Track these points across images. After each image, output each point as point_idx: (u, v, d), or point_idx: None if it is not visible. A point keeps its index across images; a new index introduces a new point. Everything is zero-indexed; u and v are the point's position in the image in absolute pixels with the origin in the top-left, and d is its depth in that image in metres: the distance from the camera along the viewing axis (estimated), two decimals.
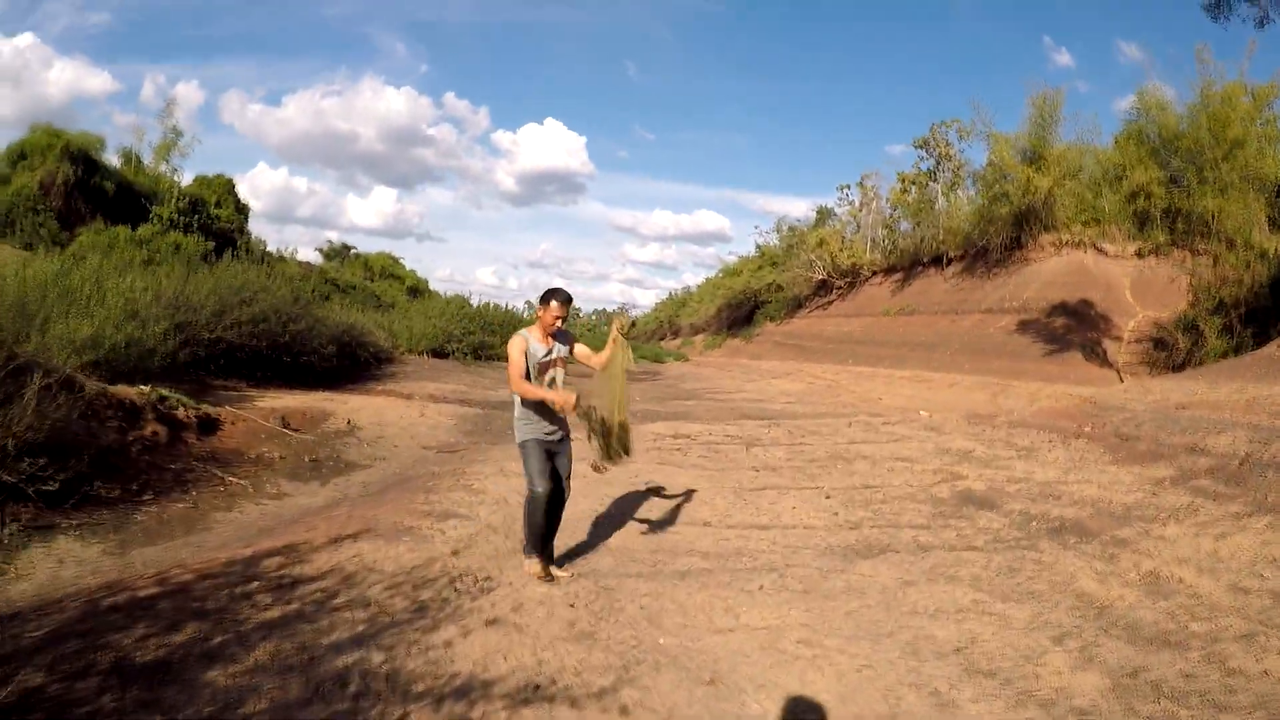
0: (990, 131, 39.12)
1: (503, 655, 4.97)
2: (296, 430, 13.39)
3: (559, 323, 6.22)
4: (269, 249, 34.74)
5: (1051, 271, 34.36)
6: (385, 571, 6.31)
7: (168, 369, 14.96)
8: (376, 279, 48.03)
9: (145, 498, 9.20)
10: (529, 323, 8.55)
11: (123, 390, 11.46)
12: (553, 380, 6.29)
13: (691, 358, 56.13)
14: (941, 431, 12.98)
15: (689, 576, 6.46)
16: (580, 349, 6.59)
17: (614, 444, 6.57)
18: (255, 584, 5.93)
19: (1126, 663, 4.90)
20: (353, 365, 21.03)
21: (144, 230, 27.01)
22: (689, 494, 9.07)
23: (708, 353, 54.67)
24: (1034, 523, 7.79)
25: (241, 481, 10.39)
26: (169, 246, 25.64)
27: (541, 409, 6.17)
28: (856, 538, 7.45)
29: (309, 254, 63.59)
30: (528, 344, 6.16)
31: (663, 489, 9.34)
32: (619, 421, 6.58)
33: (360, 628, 5.25)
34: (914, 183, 48.76)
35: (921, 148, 48.86)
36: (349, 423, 14.38)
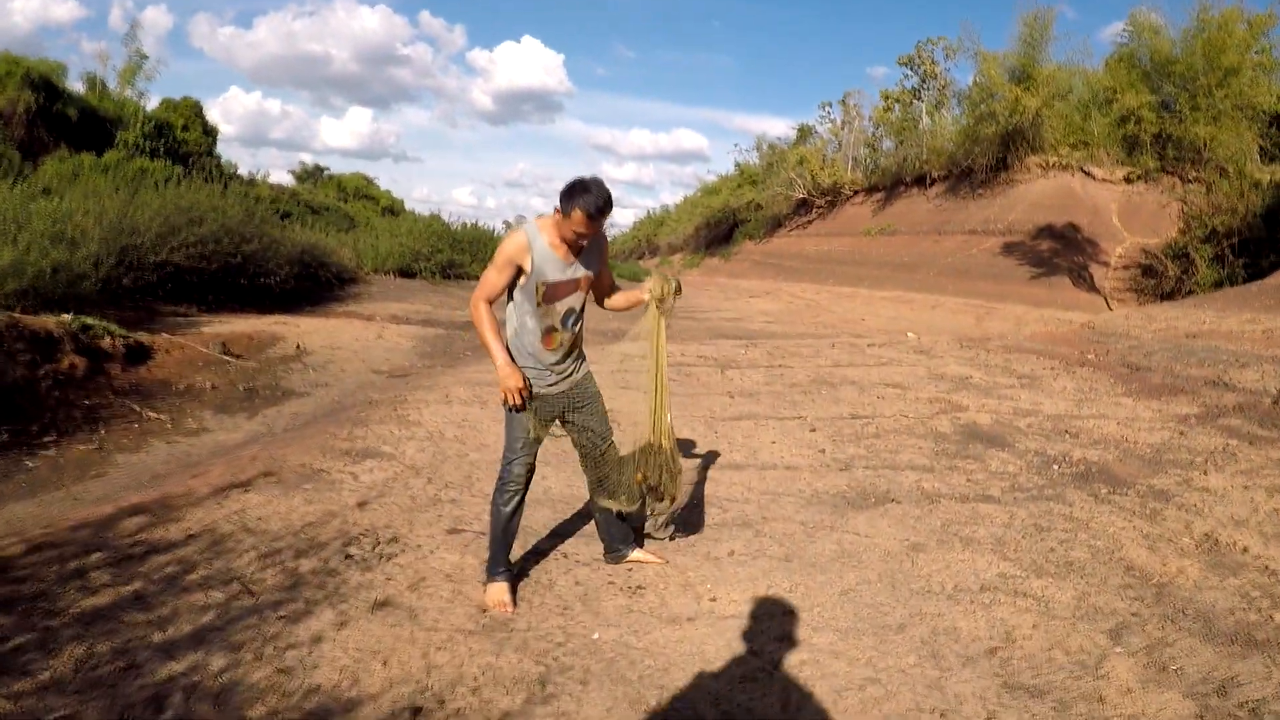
0: (978, 50, 37.39)
1: (382, 659, 3.59)
2: (238, 357, 11.91)
3: (583, 242, 3.96)
4: (240, 172, 33.19)
5: (1038, 194, 33.06)
6: (268, 532, 4.93)
7: (110, 295, 13.64)
8: (351, 200, 46.14)
9: (46, 439, 7.83)
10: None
11: (38, 321, 10.00)
12: (570, 317, 4.04)
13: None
14: (932, 355, 11.59)
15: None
16: (603, 273, 4.31)
17: (654, 475, 4.36)
18: (97, 555, 4.52)
19: (1209, 673, 3.53)
20: (314, 286, 19.35)
21: (109, 156, 25.28)
22: None
23: (686, 272, 52.73)
24: (1055, 466, 6.39)
25: (160, 417, 8.98)
26: (135, 172, 24.04)
27: (539, 335, 4.01)
28: (848, 482, 6.07)
29: (282, 177, 61.78)
30: (532, 248, 3.89)
31: (619, 418, 7.59)
32: (660, 441, 4.38)
33: (208, 616, 3.88)
34: (898, 100, 46.68)
35: (906, 65, 46.77)
36: (298, 347, 12.85)
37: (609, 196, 3.81)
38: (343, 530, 5.02)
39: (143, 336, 11.31)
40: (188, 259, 15.32)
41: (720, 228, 59.35)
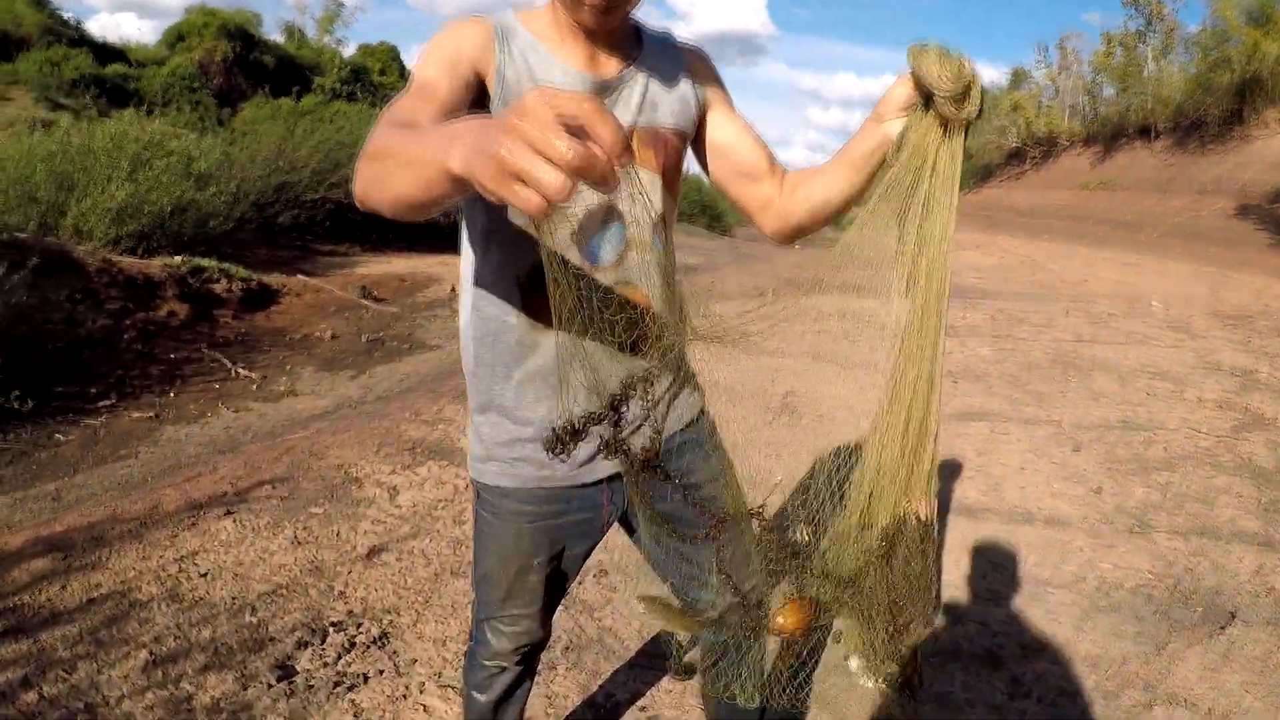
0: None
1: None
2: (380, 301, 10.09)
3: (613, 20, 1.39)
4: None
5: (1277, 151, 28.14)
6: (203, 602, 2.96)
7: (267, 234, 12.28)
8: None
9: (102, 404, 6.15)
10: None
11: (139, 263, 8.44)
12: (614, 237, 1.44)
13: None
14: (1192, 333, 8.61)
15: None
16: (732, 131, 1.57)
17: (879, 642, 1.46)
18: None
19: None
20: None
21: (306, 101, 24.15)
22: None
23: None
24: None
25: (250, 375, 7.16)
26: (330, 114, 23.10)
27: (524, 332, 1.48)
28: (1150, 562, 3.43)
29: None
30: (504, 44, 1.38)
31: (802, 409, 4.77)
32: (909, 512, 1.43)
33: None
34: (1120, 43, 40.83)
35: (1130, 5, 41.13)
36: (453, 289, 10.87)
37: None
38: (314, 609, 2.94)
39: (273, 279, 9.67)
40: (349, 195, 13.75)
41: None
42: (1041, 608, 3.05)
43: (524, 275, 1.44)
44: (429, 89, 1.28)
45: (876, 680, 1.46)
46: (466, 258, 1.52)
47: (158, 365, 7.17)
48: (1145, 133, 35.59)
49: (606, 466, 1.52)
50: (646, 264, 1.44)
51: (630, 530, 1.66)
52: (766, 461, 1.57)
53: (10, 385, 5.75)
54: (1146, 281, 19.37)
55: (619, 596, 3.10)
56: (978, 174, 46.92)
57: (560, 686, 2.56)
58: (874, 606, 1.41)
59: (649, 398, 1.37)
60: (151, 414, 6.09)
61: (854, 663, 1.53)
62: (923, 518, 1.40)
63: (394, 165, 1.02)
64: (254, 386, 6.93)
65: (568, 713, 2.46)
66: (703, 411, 1.64)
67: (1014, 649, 2.79)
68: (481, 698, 1.82)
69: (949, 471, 4.36)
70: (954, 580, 3.27)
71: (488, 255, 1.47)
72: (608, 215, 1.41)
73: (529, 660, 1.81)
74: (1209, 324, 9.26)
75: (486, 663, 1.78)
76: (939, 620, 2.99)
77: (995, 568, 3.36)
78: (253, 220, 11.86)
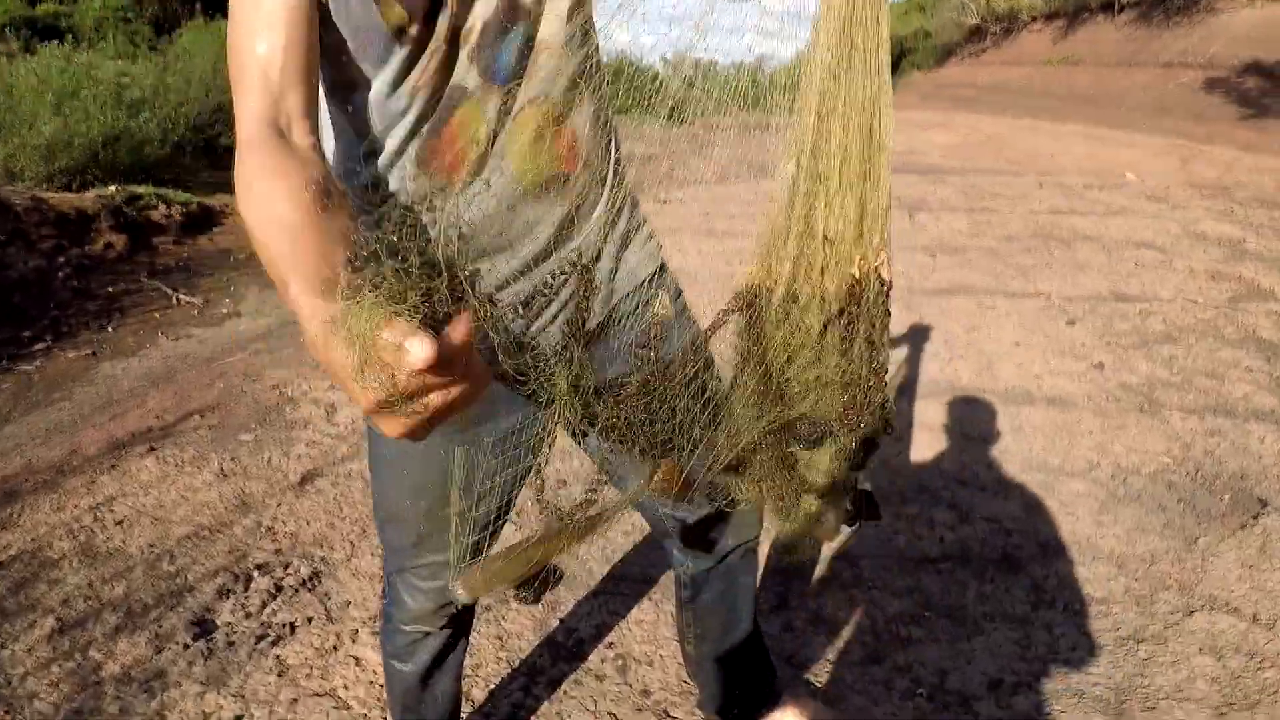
0: None
1: None
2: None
3: None
4: None
5: (1244, 25, 27.32)
6: (117, 553, 2.59)
7: (208, 159, 11.41)
8: None
9: (37, 347, 5.69)
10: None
11: (70, 199, 7.85)
12: (505, 52, 1.02)
13: None
14: (1171, 203, 8.21)
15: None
16: None
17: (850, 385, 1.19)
18: None
19: None
20: None
21: None
22: None
23: None
24: None
25: (192, 300, 6.69)
26: None
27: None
28: (1166, 444, 3.08)
29: None
30: None
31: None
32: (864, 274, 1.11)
33: None
34: None
35: None
36: None
37: None
38: (239, 551, 2.58)
39: (215, 200, 9.11)
40: None
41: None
42: (1055, 499, 2.72)
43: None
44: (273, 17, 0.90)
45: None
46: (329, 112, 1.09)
47: (95, 301, 6.69)
48: (1108, 7, 34.70)
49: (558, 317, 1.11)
50: (561, 70, 1.04)
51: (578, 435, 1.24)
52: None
53: None
54: (1116, 155, 18.96)
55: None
56: (938, 54, 45.85)
57: (513, 624, 2.22)
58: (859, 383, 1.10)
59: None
60: (89, 352, 5.65)
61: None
62: (885, 278, 1.08)
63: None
64: (195, 312, 6.47)
65: (522, 656, 2.11)
66: (663, 267, 1.23)
67: (1032, 549, 2.46)
68: (404, 668, 1.44)
69: (937, 350, 4.00)
70: (953, 470, 2.93)
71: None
72: (509, 17, 1.00)
73: (459, 622, 1.42)
74: (1187, 195, 8.92)
75: (405, 628, 1.39)
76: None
77: (999, 455, 3.02)
78: (192, 144, 11.26)
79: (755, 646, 1.63)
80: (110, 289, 6.88)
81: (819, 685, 1.98)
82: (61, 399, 4.85)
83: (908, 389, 3.57)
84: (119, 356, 5.54)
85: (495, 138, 1.01)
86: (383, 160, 1.02)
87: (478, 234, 1.02)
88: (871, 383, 1.08)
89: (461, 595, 0.98)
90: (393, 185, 1.03)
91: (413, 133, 1.01)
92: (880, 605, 2.23)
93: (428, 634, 1.39)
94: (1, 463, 3.48)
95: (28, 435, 4.19)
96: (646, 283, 1.17)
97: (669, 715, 1.88)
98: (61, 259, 7.11)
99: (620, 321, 1.14)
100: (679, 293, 1.24)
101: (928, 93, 41.54)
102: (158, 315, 6.40)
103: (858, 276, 1.03)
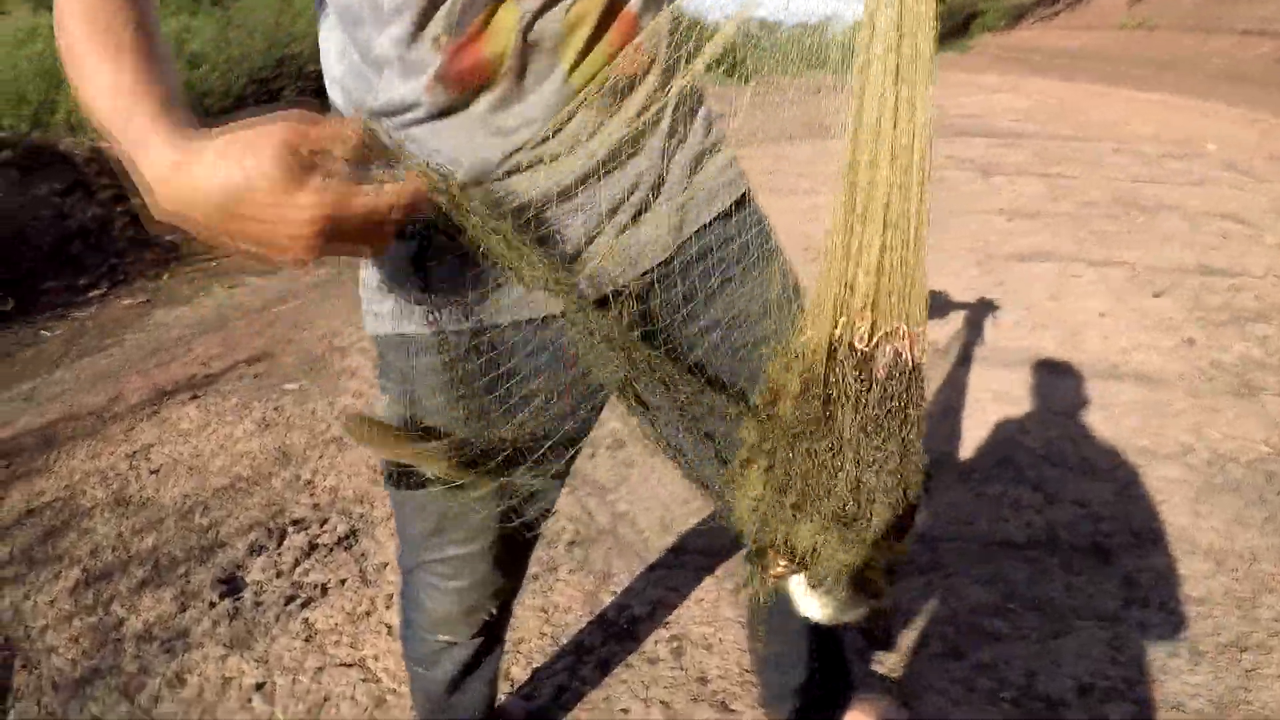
0: None
1: None
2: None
3: None
4: None
5: None
6: (151, 503, 2.49)
7: (270, 111, 11.58)
8: None
9: (92, 295, 5.70)
10: None
11: None
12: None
13: None
14: (1256, 176, 7.75)
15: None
16: None
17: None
18: None
19: None
20: None
21: None
22: None
23: None
24: None
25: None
26: None
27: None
28: (1264, 430, 2.76)
29: None
30: None
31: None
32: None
33: None
34: None
35: None
36: None
37: None
38: (275, 505, 2.45)
39: None
40: None
41: (955, 18, 53.14)
42: (1147, 484, 2.47)
43: None
44: None
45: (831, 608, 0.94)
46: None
47: (153, 250, 6.67)
48: None
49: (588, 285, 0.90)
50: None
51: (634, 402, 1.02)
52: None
53: None
54: (1192, 124, 18.24)
55: (637, 475, 2.55)
56: (1009, 16, 44.62)
57: (562, 595, 2.04)
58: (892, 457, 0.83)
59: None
60: (144, 300, 5.63)
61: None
62: (915, 358, 0.82)
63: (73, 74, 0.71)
64: (250, 261, 6.43)
65: (569, 632, 1.94)
66: (746, 198, 1.00)
67: (1123, 539, 2.22)
68: (428, 673, 1.23)
69: (1018, 317, 3.74)
70: (1038, 447, 2.69)
71: None
72: None
73: (491, 630, 1.19)
74: (1271, 168, 8.45)
75: (426, 636, 1.18)
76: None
77: (1086, 433, 2.78)
78: (253, 96, 11.27)
79: (830, 645, 1.43)
80: (169, 237, 6.84)
81: (894, 680, 1.79)
82: (113, 345, 4.79)
83: (988, 357, 3.34)
84: (173, 304, 5.50)
85: (535, 28, 0.80)
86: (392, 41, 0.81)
87: (512, 148, 0.83)
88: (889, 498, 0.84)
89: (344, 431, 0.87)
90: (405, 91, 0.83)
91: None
92: (960, 594, 2.03)
93: (453, 644, 1.18)
94: (43, 409, 3.40)
95: (74, 381, 4.11)
96: (723, 217, 0.97)
97: (727, 708, 1.69)
98: (120, 208, 7.08)
99: (690, 263, 0.94)
100: (766, 237, 1.02)
101: (997, 56, 40.51)
102: (214, 264, 6.36)
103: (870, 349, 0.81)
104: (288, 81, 12.18)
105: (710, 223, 0.94)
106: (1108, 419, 2.86)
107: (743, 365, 0.95)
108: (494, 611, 1.14)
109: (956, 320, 3.64)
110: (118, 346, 4.71)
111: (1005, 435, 2.76)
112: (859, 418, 0.80)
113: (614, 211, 0.86)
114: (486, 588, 1.09)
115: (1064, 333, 3.55)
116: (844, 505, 0.83)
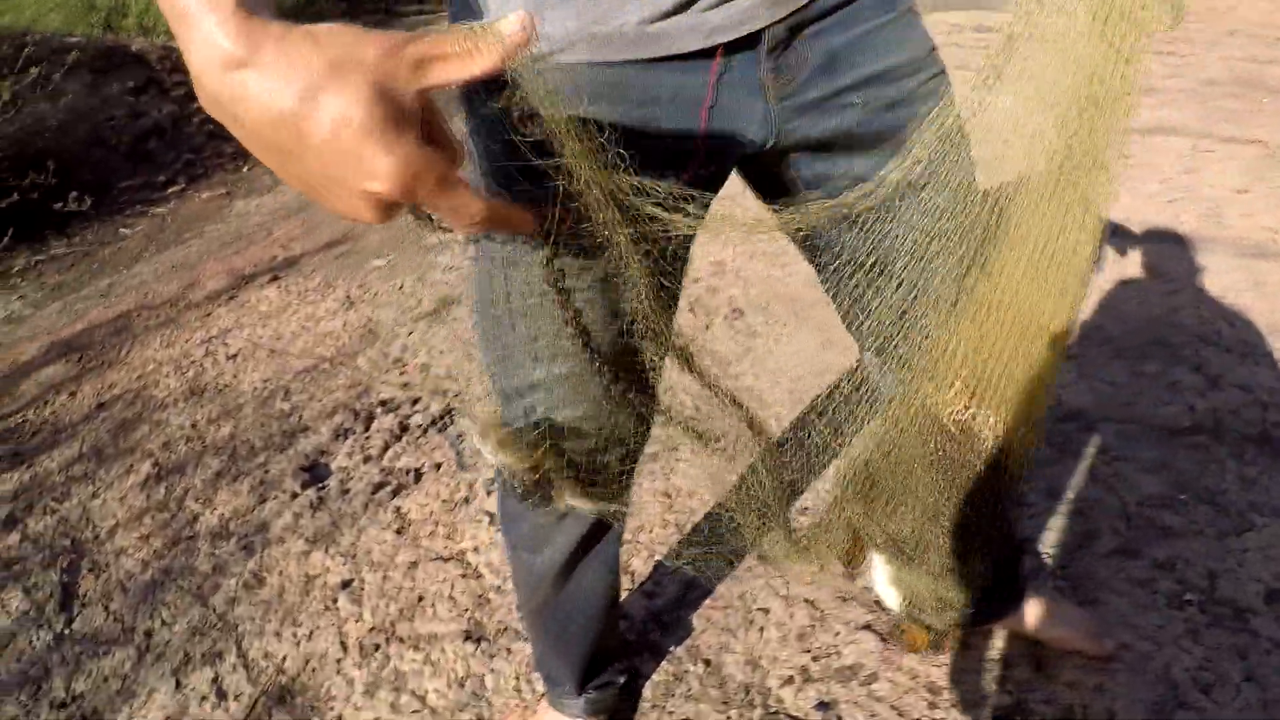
0: None
1: None
2: None
3: None
4: None
5: None
6: (227, 389, 2.33)
7: (347, 6, 11.17)
8: None
9: (171, 191, 5.56)
10: None
11: None
12: None
13: None
14: None
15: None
16: None
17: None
18: None
19: None
20: None
21: None
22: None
23: None
24: None
25: None
26: None
27: None
28: None
29: None
30: None
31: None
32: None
33: None
34: None
35: None
36: None
37: None
38: (361, 385, 2.24)
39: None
40: None
41: None
42: None
43: None
44: None
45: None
46: None
47: (230, 143, 6.51)
48: None
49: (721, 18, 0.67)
50: None
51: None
52: None
53: (66, 188, 5.14)
54: None
55: (761, 345, 2.27)
56: None
57: (685, 478, 1.78)
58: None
59: None
60: (223, 192, 5.48)
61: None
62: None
63: None
64: None
65: (696, 519, 1.70)
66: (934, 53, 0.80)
67: None
68: (534, 558, 0.98)
69: (1153, 190, 3.37)
70: (1193, 326, 2.37)
71: None
72: None
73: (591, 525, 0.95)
74: None
75: (528, 511, 0.92)
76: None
77: (1241, 314, 2.45)
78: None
79: (1003, 537, 1.17)
80: None
81: (1066, 578, 1.53)
82: (192, 238, 4.65)
83: (1126, 227, 3.00)
84: (253, 194, 5.36)
85: None
86: None
87: None
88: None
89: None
90: None
91: None
92: (1130, 482, 1.74)
93: (564, 516, 0.93)
94: (116, 300, 3.25)
95: (151, 274, 3.97)
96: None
97: (883, 607, 1.45)
98: (195, 104, 6.94)
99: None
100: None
101: None
102: None
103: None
104: None
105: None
106: (1261, 300, 2.52)
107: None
108: (612, 463, 0.88)
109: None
110: (197, 239, 4.56)
111: (1157, 312, 2.44)
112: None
113: None
114: (594, 429, 0.84)
115: (1203, 208, 3.19)
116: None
